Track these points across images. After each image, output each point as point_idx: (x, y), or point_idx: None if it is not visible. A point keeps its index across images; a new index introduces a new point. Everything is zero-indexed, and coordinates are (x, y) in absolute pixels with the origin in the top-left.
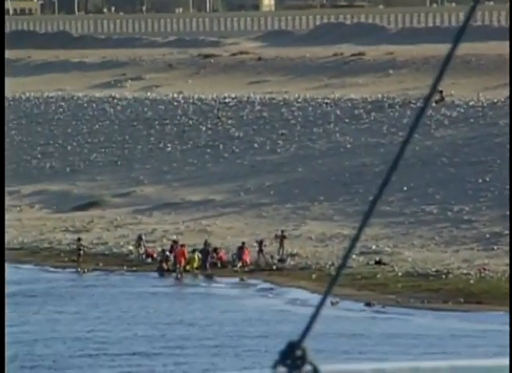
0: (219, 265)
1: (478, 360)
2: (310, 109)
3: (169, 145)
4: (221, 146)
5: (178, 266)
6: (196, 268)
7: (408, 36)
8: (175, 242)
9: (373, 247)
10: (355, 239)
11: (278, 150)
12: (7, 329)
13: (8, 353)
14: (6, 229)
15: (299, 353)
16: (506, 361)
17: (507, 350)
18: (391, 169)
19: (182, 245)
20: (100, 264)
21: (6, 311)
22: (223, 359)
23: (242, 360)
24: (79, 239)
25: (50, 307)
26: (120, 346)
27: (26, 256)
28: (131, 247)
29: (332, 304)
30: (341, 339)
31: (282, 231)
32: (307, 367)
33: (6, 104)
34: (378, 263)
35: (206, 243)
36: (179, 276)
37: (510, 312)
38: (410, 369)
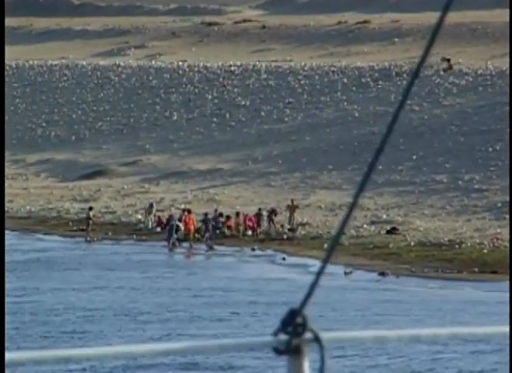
0: (229, 234)
1: (479, 328)
2: (317, 77)
3: (175, 114)
4: (227, 115)
5: (187, 234)
6: (200, 237)
7: (413, 4)
8: (184, 210)
9: (384, 216)
10: (352, 206)
11: (286, 119)
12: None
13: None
14: (13, 198)
15: (299, 320)
16: (507, 329)
17: None
18: (385, 136)
19: (189, 211)
20: (109, 233)
21: (6, 310)
22: (232, 327)
23: (251, 329)
24: (91, 208)
25: (60, 275)
26: (128, 314)
27: (34, 225)
28: (139, 216)
29: (346, 274)
30: (355, 309)
31: (292, 201)
32: (308, 335)
33: (10, 72)
34: (390, 232)
35: (216, 212)
36: (191, 244)
37: (510, 296)
38: (411, 336)
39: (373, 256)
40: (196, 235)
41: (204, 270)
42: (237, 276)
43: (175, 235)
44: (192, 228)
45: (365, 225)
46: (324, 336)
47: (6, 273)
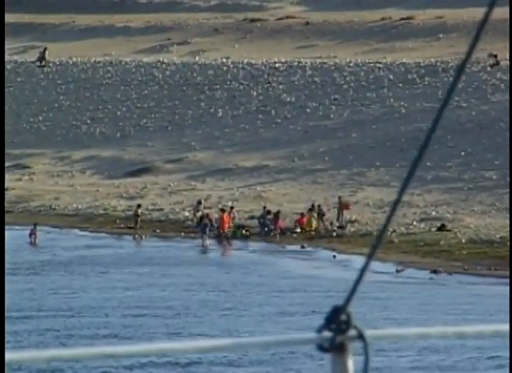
0: (279, 231)
1: None
2: (362, 73)
3: (220, 110)
4: (273, 111)
5: (222, 232)
6: (248, 235)
7: (456, 0)
8: (232, 207)
9: (433, 213)
10: (396, 203)
11: (332, 115)
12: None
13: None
14: (59, 195)
15: (343, 317)
16: None
17: None
18: (430, 132)
19: (222, 210)
20: (158, 231)
21: (6, 308)
22: (281, 326)
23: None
24: (139, 206)
25: (109, 274)
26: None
27: (81, 223)
28: (187, 213)
29: (397, 271)
30: (408, 307)
31: (340, 198)
32: (352, 332)
33: (53, 69)
34: (440, 229)
35: (264, 208)
36: (227, 242)
37: (510, 293)
38: (455, 333)
39: (425, 254)
40: (245, 232)
41: (252, 268)
42: (287, 274)
43: (207, 234)
44: (226, 226)
45: (415, 222)
46: (368, 333)
47: (53, 272)
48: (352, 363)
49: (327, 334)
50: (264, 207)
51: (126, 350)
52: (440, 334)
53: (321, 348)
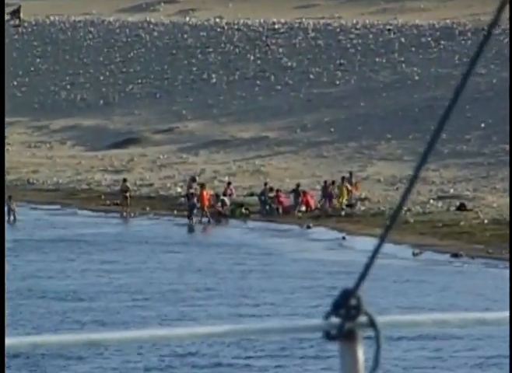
0: (280, 210)
1: None
2: (371, 36)
3: (213, 76)
4: (272, 77)
5: (201, 210)
6: (248, 213)
7: None
8: (229, 183)
9: (451, 191)
10: (413, 180)
11: (337, 82)
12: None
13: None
14: (37, 168)
15: (353, 302)
16: None
17: None
18: (451, 104)
19: (202, 186)
20: (147, 208)
21: (6, 308)
22: (285, 313)
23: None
24: (125, 180)
25: (96, 255)
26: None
27: (63, 198)
28: (179, 189)
29: (414, 255)
30: (426, 294)
31: (351, 173)
32: (362, 318)
33: (29, 29)
34: (460, 208)
35: (265, 184)
36: (209, 220)
37: (510, 289)
38: (476, 320)
39: (443, 236)
40: (244, 211)
41: (251, 251)
42: (291, 257)
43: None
44: (207, 203)
45: (431, 201)
46: (381, 319)
47: (31, 253)
48: (362, 352)
49: (334, 320)
50: (266, 183)
51: (117, 337)
52: (460, 321)
53: (328, 336)
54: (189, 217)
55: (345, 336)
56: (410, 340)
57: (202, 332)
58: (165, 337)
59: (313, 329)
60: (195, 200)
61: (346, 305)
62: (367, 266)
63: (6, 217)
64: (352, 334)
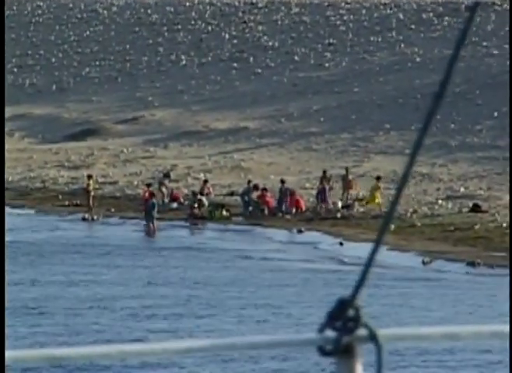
0: (266, 212)
1: None
2: (364, 11)
3: (183, 58)
4: (251, 59)
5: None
6: (229, 216)
7: None
8: (206, 181)
9: (462, 190)
10: (406, 175)
11: (326, 64)
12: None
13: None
14: None
15: (351, 313)
16: None
17: None
18: (443, 82)
19: (148, 185)
20: (113, 210)
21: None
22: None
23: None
24: (90, 177)
25: (56, 265)
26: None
27: (14, 199)
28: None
29: (424, 263)
30: (439, 308)
31: (347, 169)
32: (361, 331)
33: None
34: (474, 210)
35: (249, 183)
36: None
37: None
38: (491, 333)
39: (456, 241)
40: (224, 213)
41: (232, 259)
42: (279, 267)
43: (155, 215)
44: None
45: (440, 201)
46: (382, 332)
47: None
48: (361, 369)
49: (330, 334)
50: (249, 181)
51: (81, 353)
52: (473, 335)
53: (323, 351)
54: (148, 220)
55: (342, 352)
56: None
57: (191, 347)
58: (147, 352)
59: (306, 344)
60: (155, 200)
61: (343, 316)
62: (365, 273)
63: None
64: (350, 349)
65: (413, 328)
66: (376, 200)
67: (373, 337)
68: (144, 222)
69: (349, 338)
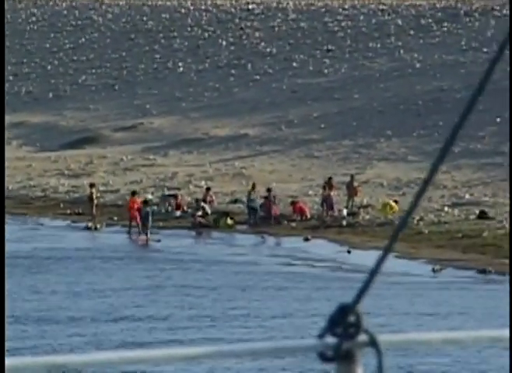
0: (271, 220)
1: None
2: (362, 17)
3: (180, 64)
4: (249, 65)
5: (133, 223)
6: (233, 224)
7: None
8: (208, 189)
9: (467, 196)
10: (426, 183)
11: (325, 71)
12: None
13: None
14: None
15: (352, 319)
16: None
17: None
18: (475, 95)
19: (133, 193)
20: (115, 218)
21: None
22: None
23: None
24: (92, 185)
25: (63, 276)
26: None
27: (15, 208)
28: (150, 196)
29: (434, 271)
30: (451, 317)
31: (352, 177)
32: (362, 337)
33: None
34: (481, 217)
35: (253, 186)
36: (137, 235)
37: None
38: (490, 339)
39: (465, 248)
40: (229, 221)
41: (239, 268)
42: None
43: (150, 224)
44: (136, 214)
45: (446, 208)
46: (382, 338)
47: None
48: None
49: (331, 340)
50: (254, 185)
51: (84, 360)
52: (473, 340)
53: (324, 357)
54: (144, 230)
55: (342, 358)
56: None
57: (187, 354)
58: (146, 359)
59: (307, 350)
60: (148, 208)
61: (344, 322)
62: (369, 280)
63: None
64: (351, 355)
65: (413, 333)
66: (395, 209)
67: (373, 343)
68: (134, 232)
69: (350, 344)
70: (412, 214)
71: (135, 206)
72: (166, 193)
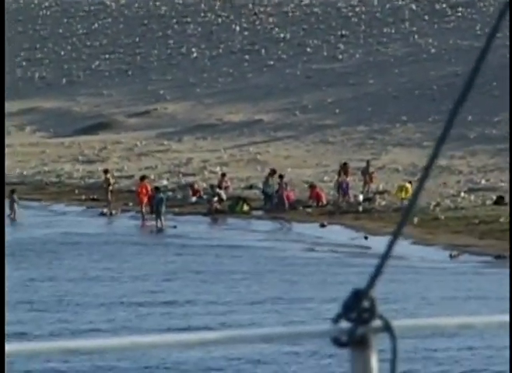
0: (287, 206)
1: None
2: (376, 2)
3: (194, 50)
4: (263, 51)
5: (141, 208)
6: (249, 210)
7: None
8: (224, 174)
9: (483, 182)
10: (427, 168)
11: (340, 56)
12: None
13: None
14: None
15: (366, 304)
16: None
17: None
18: (470, 79)
19: (142, 178)
20: (130, 204)
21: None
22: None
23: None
24: (106, 172)
25: (80, 262)
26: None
27: (29, 193)
28: (165, 182)
29: (451, 257)
30: (469, 303)
31: (368, 162)
32: (376, 322)
33: None
34: (498, 202)
35: (271, 172)
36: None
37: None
38: (500, 323)
39: (482, 234)
40: (245, 207)
41: (258, 253)
42: (305, 264)
43: (164, 210)
44: (145, 200)
45: (462, 193)
46: (397, 323)
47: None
48: (376, 360)
49: (345, 325)
50: (270, 173)
51: (96, 345)
52: (484, 325)
53: (338, 342)
54: (158, 216)
55: (356, 343)
56: None
57: (200, 339)
58: (158, 344)
59: (321, 335)
60: (162, 194)
61: (358, 307)
62: (380, 264)
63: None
64: (365, 340)
65: (427, 318)
66: (408, 192)
67: (387, 328)
68: (143, 217)
69: (364, 329)
70: (417, 199)
71: (144, 191)
72: (183, 182)
